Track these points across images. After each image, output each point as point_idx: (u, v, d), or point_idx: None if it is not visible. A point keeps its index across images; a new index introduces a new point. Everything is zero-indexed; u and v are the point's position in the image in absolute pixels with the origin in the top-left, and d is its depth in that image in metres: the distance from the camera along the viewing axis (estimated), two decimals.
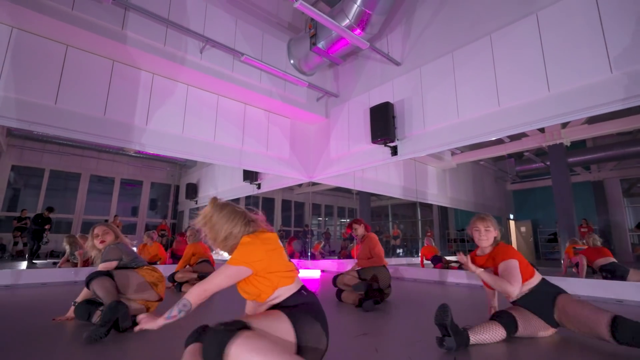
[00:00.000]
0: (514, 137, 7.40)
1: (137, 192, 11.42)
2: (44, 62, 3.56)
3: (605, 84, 2.84)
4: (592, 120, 6.26)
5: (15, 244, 8.30)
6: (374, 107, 4.61)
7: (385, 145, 4.56)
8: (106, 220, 10.43)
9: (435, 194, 8.78)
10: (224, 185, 8.89)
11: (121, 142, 3.98)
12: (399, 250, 9.46)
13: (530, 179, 10.45)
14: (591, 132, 6.41)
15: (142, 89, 4.20)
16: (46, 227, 8.17)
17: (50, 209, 8.58)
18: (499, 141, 7.85)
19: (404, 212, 13.24)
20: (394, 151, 4.53)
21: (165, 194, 12.05)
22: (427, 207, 11.66)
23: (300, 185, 12.78)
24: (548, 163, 8.50)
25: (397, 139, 4.49)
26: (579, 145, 8.34)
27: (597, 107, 2.86)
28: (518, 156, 9.51)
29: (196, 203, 10.40)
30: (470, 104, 3.76)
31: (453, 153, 8.54)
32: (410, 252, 9.60)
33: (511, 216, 10.57)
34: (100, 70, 3.91)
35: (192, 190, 10.24)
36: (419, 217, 11.74)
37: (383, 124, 4.43)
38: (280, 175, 5.72)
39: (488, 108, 3.59)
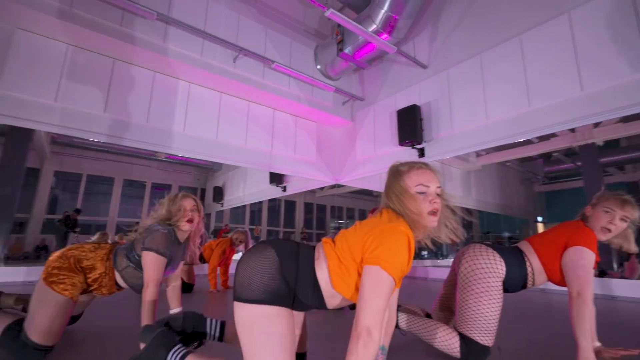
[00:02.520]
0: (542, 138, 7.25)
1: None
2: (94, 75, 3.88)
3: (636, 83, 2.81)
4: (626, 119, 6.06)
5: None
6: (401, 110, 4.69)
7: (413, 147, 4.63)
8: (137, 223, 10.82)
9: (460, 196, 8.69)
10: (250, 188, 9.16)
11: (162, 148, 4.25)
12: (424, 253, 9.41)
13: (560, 180, 10.14)
14: (625, 132, 6.20)
15: (180, 97, 4.47)
16: (77, 229, 8.58)
17: (78, 211, 9.01)
18: (527, 142, 7.70)
19: None
20: (421, 153, 4.58)
21: None
22: None
23: (322, 188, 12.91)
24: (579, 163, 8.24)
25: (425, 141, 4.54)
26: (612, 145, 8.06)
27: (631, 106, 2.83)
28: (546, 157, 9.28)
29: (222, 206, 10.74)
30: (499, 105, 3.78)
31: (478, 154, 8.44)
32: (436, 254, 9.51)
33: (539, 218, 10.29)
34: (143, 81, 4.20)
35: (219, 193, 10.59)
36: None
37: (410, 126, 4.50)
38: (308, 177, 5.87)
39: (518, 109, 3.60)
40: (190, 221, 1.79)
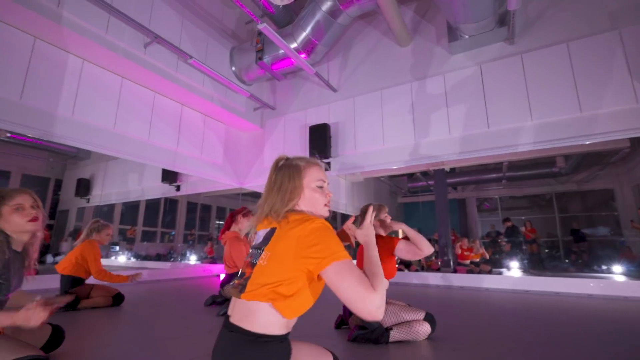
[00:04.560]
0: None
1: (1, 185, 9.20)
2: None
3: (483, 135, 4.02)
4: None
5: None
6: (314, 126, 5.13)
7: (321, 161, 5.12)
8: None
9: (345, 203, 9.82)
10: (129, 184, 8.06)
11: (41, 133, 3.47)
12: None
13: (417, 194, 12.68)
14: (463, 163, 8.33)
15: (70, 74, 3.75)
16: None
17: None
18: None
19: None
20: (328, 166, 5.13)
21: (42, 190, 9.99)
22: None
23: None
24: (430, 182, 10.54)
25: (332, 157, 5.11)
26: (451, 170, 10.65)
27: (479, 150, 4.02)
28: (409, 175, 11.46)
29: (88, 202, 9.01)
30: (394, 134, 4.65)
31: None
32: None
33: None
34: (20, 46, 3.36)
35: (85, 187, 8.86)
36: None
37: (320, 141, 4.99)
38: (214, 180, 5.68)
39: (407, 140, 4.52)
40: (34, 219, 1.44)
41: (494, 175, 10.59)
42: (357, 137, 4.97)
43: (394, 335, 1.90)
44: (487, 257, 6.83)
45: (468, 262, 6.47)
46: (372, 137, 4.83)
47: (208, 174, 5.47)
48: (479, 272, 5.82)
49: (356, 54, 5.28)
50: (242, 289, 0.93)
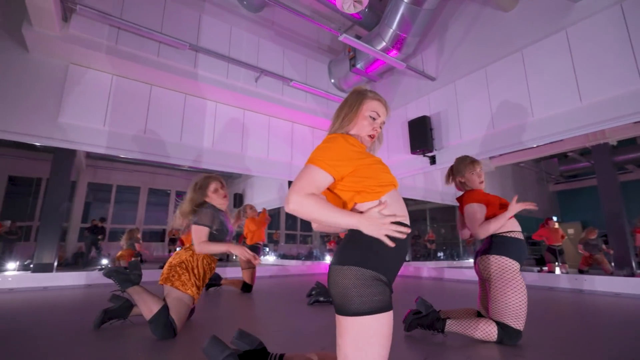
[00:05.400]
0: None
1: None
2: (135, 101, 4.37)
3: (634, 94, 3.04)
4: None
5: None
6: (412, 121, 4.98)
7: (424, 155, 4.91)
8: (164, 230, 11.31)
9: None
10: (269, 194, 9.60)
11: (194, 163, 4.70)
12: (440, 254, 9.58)
13: (576, 179, 10.12)
14: (637, 132, 6.27)
15: (208, 116, 4.92)
16: (99, 237, 8.98)
17: (103, 219, 9.43)
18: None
19: (443, 216, 13.21)
20: (432, 160, 4.86)
21: None
22: None
23: None
24: (594, 162, 8.27)
25: (435, 149, 4.82)
26: (627, 143, 8.05)
27: (626, 116, 3.06)
28: (562, 156, 9.30)
29: None
30: (504, 115, 4.04)
31: (491, 157, 8.58)
32: (452, 255, 9.65)
33: (555, 218, 10.25)
34: (176, 103, 4.67)
35: (239, 200, 11.10)
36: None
37: (421, 136, 4.80)
38: None
39: (522, 119, 3.85)
40: (225, 197, 2.21)
41: None
42: (462, 125, 4.54)
43: (451, 325, 1.76)
44: None
45: None
46: (479, 121, 4.32)
47: None
48: None
49: (453, 35, 4.85)
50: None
